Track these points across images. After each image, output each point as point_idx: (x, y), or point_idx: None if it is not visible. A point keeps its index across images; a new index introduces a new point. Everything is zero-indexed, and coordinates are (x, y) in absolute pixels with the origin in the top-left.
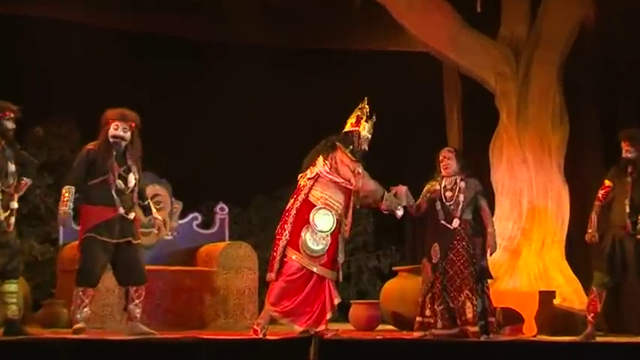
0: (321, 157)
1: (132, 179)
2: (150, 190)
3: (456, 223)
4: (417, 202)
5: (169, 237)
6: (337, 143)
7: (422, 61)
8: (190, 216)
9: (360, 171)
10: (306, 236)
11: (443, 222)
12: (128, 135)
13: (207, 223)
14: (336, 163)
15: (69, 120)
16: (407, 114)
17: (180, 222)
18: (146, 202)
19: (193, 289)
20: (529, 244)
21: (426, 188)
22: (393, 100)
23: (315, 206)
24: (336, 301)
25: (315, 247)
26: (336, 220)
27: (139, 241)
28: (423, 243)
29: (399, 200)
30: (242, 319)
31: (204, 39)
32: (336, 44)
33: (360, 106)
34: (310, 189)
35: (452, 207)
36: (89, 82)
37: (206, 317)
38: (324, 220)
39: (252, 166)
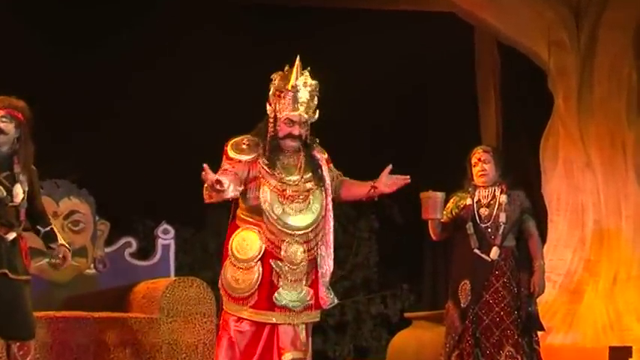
0: None
1: (19, 191)
2: (65, 205)
3: (494, 252)
4: (440, 222)
5: (91, 271)
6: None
7: (445, 26)
8: (121, 241)
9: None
10: (226, 271)
11: (476, 250)
12: (11, 128)
13: (145, 252)
14: None
15: None
16: (424, 99)
17: (107, 250)
18: (49, 228)
19: (126, 343)
20: (595, 282)
21: (451, 202)
22: (405, 81)
23: (239, 228)
24: (289, 356)
25: (236, 285)
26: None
27: (26, 277)
28: (448, 279)
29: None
30: None
31: None
32: (329, 2)
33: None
34: (237, 204)
35: (489, 230)
36: None
37: None
38: (244, 244)
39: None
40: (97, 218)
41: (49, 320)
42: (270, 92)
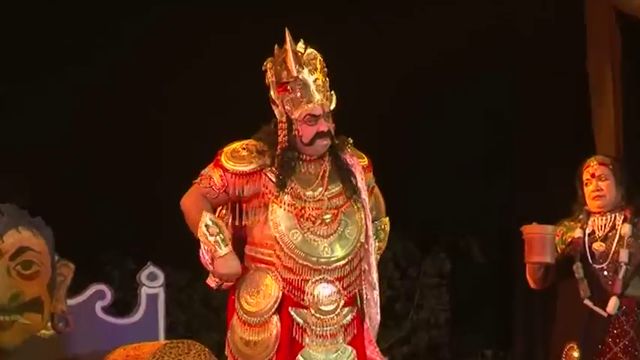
0: None
1: None
2: (11, 239)
3: (613, 304)
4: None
5: (49, 332)
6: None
7: None
8: (91, 290)
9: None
10: (234, 331)
11: (587, 302)
12: None
13: (123, 305)
14: None
15: None
16: (515, 89)
17: (71, 302)
18: None
19: None
20: None
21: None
22: (486, 62)
23: (249, 270)
24: None
25: (247, 350)
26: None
27: None
28: (548, 342)
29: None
30: None
31: None
32: None
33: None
34: (244, 239)
35: (606, 273)
36: None
37: None
38: (255, 291)
39: None
40: (56, 258)
41: None
42: (271, 89)
